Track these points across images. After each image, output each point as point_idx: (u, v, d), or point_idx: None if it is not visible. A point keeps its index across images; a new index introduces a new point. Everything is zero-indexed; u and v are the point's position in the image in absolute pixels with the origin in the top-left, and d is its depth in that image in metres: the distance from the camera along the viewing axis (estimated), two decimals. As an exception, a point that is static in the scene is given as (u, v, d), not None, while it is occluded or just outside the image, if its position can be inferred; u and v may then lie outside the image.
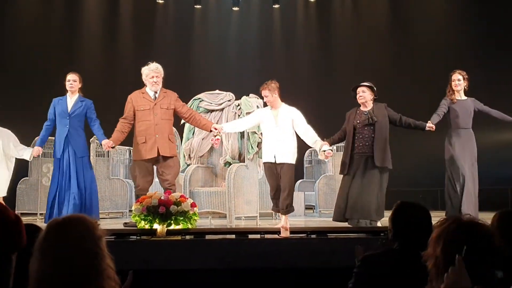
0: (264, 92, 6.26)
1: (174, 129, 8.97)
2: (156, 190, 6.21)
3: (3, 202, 6.66)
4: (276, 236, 4.76)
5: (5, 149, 7.26)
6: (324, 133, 11.95)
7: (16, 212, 9.38)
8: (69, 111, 6.85)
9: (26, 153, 7.30)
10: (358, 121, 6.13)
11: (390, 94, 12.87)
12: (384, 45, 13.04)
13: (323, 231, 4.88)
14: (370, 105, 6.16)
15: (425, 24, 12.66)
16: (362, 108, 6.21)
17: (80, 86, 6.98)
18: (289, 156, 6.22)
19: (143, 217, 4.99)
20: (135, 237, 4.70)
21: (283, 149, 6.17)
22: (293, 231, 4.84)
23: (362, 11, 13.43)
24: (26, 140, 8.26)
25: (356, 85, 6.34)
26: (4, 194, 7.36)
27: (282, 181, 6.23)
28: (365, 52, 13.03)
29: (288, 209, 6.30)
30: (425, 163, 12.42)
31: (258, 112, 6.56)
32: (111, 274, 1.93)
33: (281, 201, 6.25)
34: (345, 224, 5.69)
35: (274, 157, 6.18)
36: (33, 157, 7.46)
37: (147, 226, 5.00)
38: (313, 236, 4.79)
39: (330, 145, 6.43)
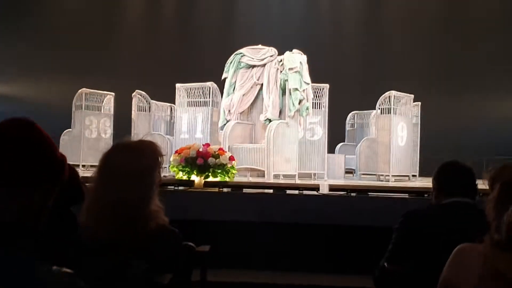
0: None
1: (215, 85, 8.91)
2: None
3: None
4: (315, 192, 4.65)
5: None
6: (363, 91, 11.73)
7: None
8: None
9: None
10: None
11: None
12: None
13: (364, 190, 4.72)
14: None
15: None
16: None
17: None
18: None
19: (181, 168, 4.95)
20: (173, 187, 4.66)
21: None
22: (332, 188, 4.71)
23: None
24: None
25: None
26: None
27: None
28: (416, 11, 12.59)
29: None
30: (469, 130, 12.04)
31: None
32: (157, 201, 1.96)
33: None
34: (387, 184, 5.52)
35: None
36: None
37: (184, 177, 4.96)
38: (353, 194, 4.65)
39: None
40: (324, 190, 4.64)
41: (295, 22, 12.59)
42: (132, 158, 1.86)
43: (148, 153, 1.91)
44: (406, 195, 4.62)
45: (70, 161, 7.27)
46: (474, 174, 2.47)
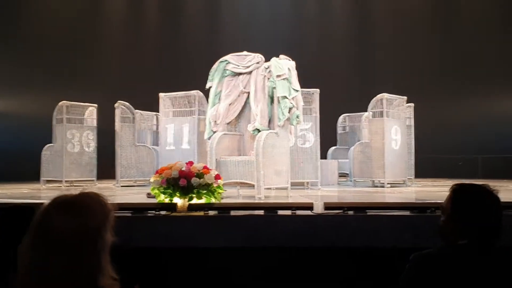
0: None
1: (201, 93, 8.53)
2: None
3: None
4: (309, 212, 4.28)
5: None
6: (354, 92, 11.44)
7: (41, 179, 9.16)
8: None
9: None
10: None
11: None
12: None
13: (361, 207, 4.37)
14: None
15: None
16: None
17: None
18: None
19: (162, 190, 4.56)
20: (154, 212, 4.28)
21: None
22: (328, 206, 4.35)
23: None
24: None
25: None
26: None
27: None
28: (405, 11, 12.36)
29: None
30: (463, 129, 11.80)
31: None
32: (110, 271, 1.56)
33: None
34: (384, 199, 5.18)
35: None
36: None
37: (167, 200, 4.57)
38: (350, 212, 4.29)
39: None
40: (319, 209, 4.28)
41: (282, 26, 12.30)
42: (75, 219, 1.47)
43: (95, 210, 1.52)
44: (407, 212, 4.26)
45: (53, 177, 6.78)
46: (501, 205, 2.06)
